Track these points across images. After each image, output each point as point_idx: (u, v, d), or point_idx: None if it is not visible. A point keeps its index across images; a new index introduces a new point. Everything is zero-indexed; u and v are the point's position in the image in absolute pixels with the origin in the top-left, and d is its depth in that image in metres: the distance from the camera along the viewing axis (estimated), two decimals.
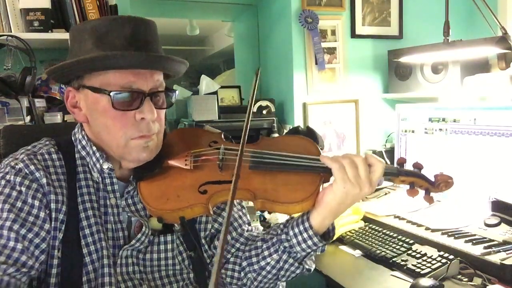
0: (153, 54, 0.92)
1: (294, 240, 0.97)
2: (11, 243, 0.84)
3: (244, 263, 1.05)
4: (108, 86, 0.89)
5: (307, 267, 1.02)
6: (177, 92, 1.01)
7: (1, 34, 1.69)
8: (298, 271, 1.01)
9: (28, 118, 1.74)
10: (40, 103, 1.79)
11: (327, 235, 1.00)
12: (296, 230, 0.97)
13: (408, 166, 1.03)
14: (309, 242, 0.96)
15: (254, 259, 1.03)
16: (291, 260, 0.99)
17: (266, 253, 1.02)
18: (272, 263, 1.00)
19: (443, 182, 1.00)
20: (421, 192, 1.01)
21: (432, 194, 1.01)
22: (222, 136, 1.09)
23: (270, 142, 1.07)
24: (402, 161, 1.02)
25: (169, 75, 1.02)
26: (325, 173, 0.97)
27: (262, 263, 1.02)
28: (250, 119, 0.94)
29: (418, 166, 1.02)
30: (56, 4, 1.84)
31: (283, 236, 0.99)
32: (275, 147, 1.03)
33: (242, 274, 1.05)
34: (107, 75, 0.90)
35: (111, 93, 0.89)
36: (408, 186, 1.01)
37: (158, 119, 0.96)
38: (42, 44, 1.84)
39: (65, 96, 0.97)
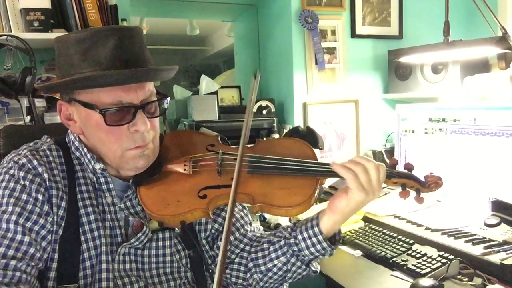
0: (141, 69, 0.92)
1: (303, 244, 0.98)
2: (19, 236, 0.85)
3: (250, 264, 1.05)
4: (98, 102, 0.90)
5: (313, 268, 1.03)
6: (168, 98, 1.01)
7: (1, 34, 1.69)
8: (304, 273, 1.03)
9: (28, 118, 1.74)
10: (40, 103, 1.79)
11: (333, 239, 1.01)
12: (305, 234, 0.98)
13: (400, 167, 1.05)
14: (318, 247, 0.97)
15: (260, 261, 1.04)
16: (298, 263, 1.01)
17: (273, 255, 1.02)
18: (279, 265, 1.02)
19: (433, 183, 1.02)
20: (412, 193, 1.03)
21: (422, 194, 1.03)
22: (219, 139, 1.10)
23: (267, 145, 1.09)
24: (394, 163, 1.05)
25: None
26: (321, 177, 0.98)
27: (269, 265, 1.03)
28: (249, 125, 0.93)
29: (409, 167, 1.04)
30: (56, 4, 1.84)
31: (292, 240, 1.00)
32: (272, 150, 1.04)
33: (248, 275, 1.06)
34: (95, 92, 0.90)
35: (103, 111, 0.89)
36: (400, 188, 1.03)
37: (152, 127, 0.96)
38: (42, 44, 1.84)
39: (57, 109, 0.98)
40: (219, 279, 0.68)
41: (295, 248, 0.99)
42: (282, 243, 1.02)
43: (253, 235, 1.12)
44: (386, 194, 2.02)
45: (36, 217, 0.89)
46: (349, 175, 0.92)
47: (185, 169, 1.00)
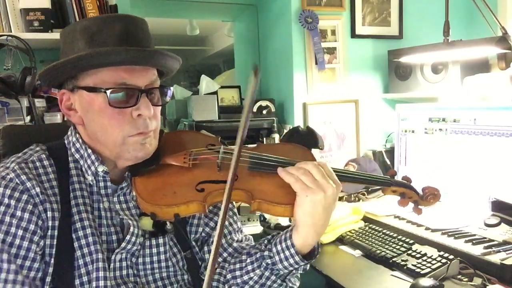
0: (146, 49, 0.91)
1: (277, 257, 0.95)
2: (5, 265, 0.83)
3: (229, 276, 1.03)
4: (102, 84, 0.89)
5: (290, 284, 1.00)
6: (172, 89, 1.00)
7: (1, 34, 1.69)
8: None
9: (28, 118, 1.74)
10: (40, 103, 1.79)
11: (312, 254, 0.97)
12: (279, 247, 0.95)
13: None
14: (291, 260, 0.94)
15: (237, 273, 1.01)
16: (273, 277, 0.97)
17: (249, 267, 1.00)
18: (255, 278, 0.99)
19: (431, 195, 1.09)
20: (411, 204, 1.10)
21: (420, 206, 1.10)
22: (219, 140, 1.10)
23: (268, 147, 1.10)
24: (393, 173, 1.11)
25: (162, 73, 1.01)
26: None
27: (245, 277, 1.00)
28: (248, 119, 0.92)
29: (407, 179, 1.10)
30: (56, 4, 1.84)
31: (266, 253, 0.97)
32: (272, 151, 1.04)
33: (227, 286, 1.03)
34: (100, 73, 0.89)
35: (107, 91, 0.88)
36: (399, 197, 1.09)
37: (154, 116, 0.95)
38: (42, 44, 1.84)
39: (59, 99, 0.96)
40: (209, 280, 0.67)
41: (268, 261, 0.96)
42: (258, 255, 0.99)
43: (238, 245, 1.09)
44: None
45: (19, 241, 0.85)
46: (291, 179, 0.91)
47: (184, 162, 0.98)
